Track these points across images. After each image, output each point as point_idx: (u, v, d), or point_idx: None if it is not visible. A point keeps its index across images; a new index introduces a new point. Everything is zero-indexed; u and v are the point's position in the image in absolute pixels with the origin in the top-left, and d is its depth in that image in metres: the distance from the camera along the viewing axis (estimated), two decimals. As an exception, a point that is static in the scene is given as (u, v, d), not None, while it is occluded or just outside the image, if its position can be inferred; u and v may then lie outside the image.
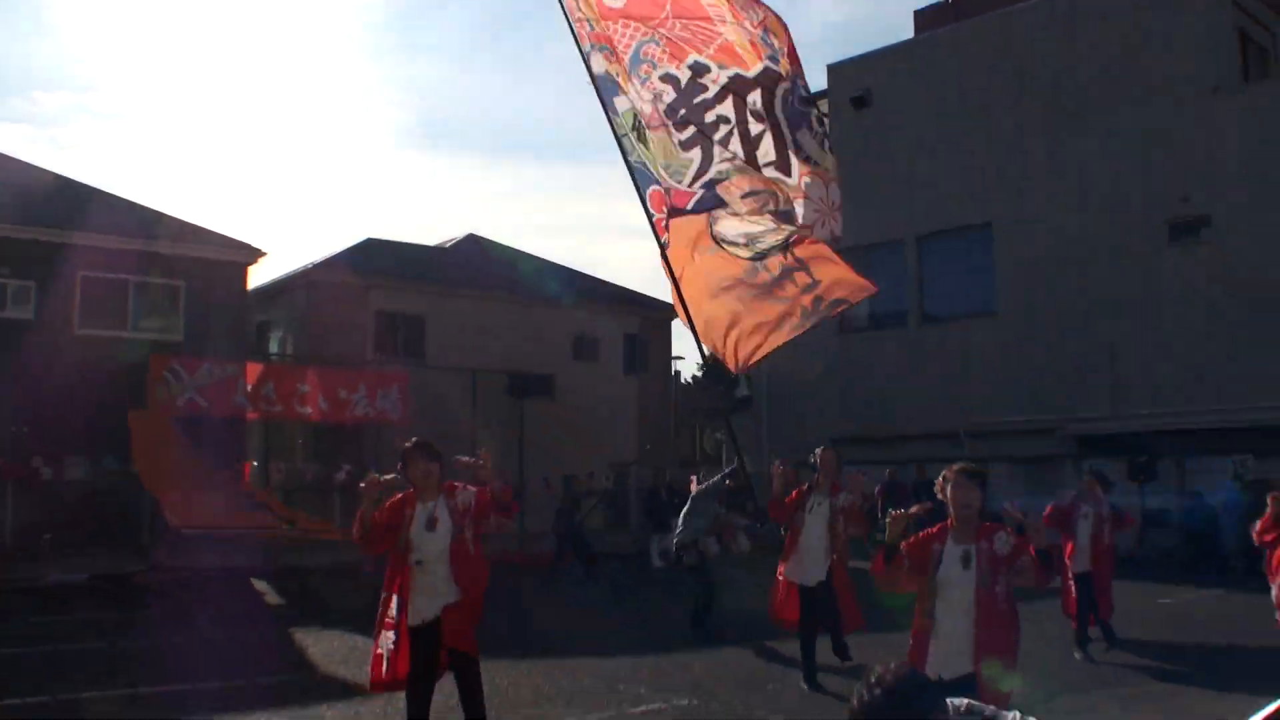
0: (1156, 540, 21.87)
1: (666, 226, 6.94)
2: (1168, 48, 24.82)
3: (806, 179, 6.56)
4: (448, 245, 37.20)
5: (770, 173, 6.68)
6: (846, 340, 29.77)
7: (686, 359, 50.29)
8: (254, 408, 24.00)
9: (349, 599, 18.43)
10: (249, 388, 23.66)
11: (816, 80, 32.00)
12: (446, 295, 31.65)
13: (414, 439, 7.71)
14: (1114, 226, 25.07)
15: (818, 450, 10.81)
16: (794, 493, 10.47)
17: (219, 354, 23.76)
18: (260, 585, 20.41)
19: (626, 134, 6.84)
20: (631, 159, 6.90)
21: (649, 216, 7.01)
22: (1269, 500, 10.38)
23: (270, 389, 24.03)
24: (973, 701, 3.02)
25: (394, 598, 7.37)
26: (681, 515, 13.79)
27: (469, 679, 7.49)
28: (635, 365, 36.15)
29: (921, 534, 6.78)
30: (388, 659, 7.41)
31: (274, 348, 31.41)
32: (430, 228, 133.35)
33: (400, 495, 7.52)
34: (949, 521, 6.75)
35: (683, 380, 50.70)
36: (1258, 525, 10.30)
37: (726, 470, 12.67)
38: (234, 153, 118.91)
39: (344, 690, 9.89)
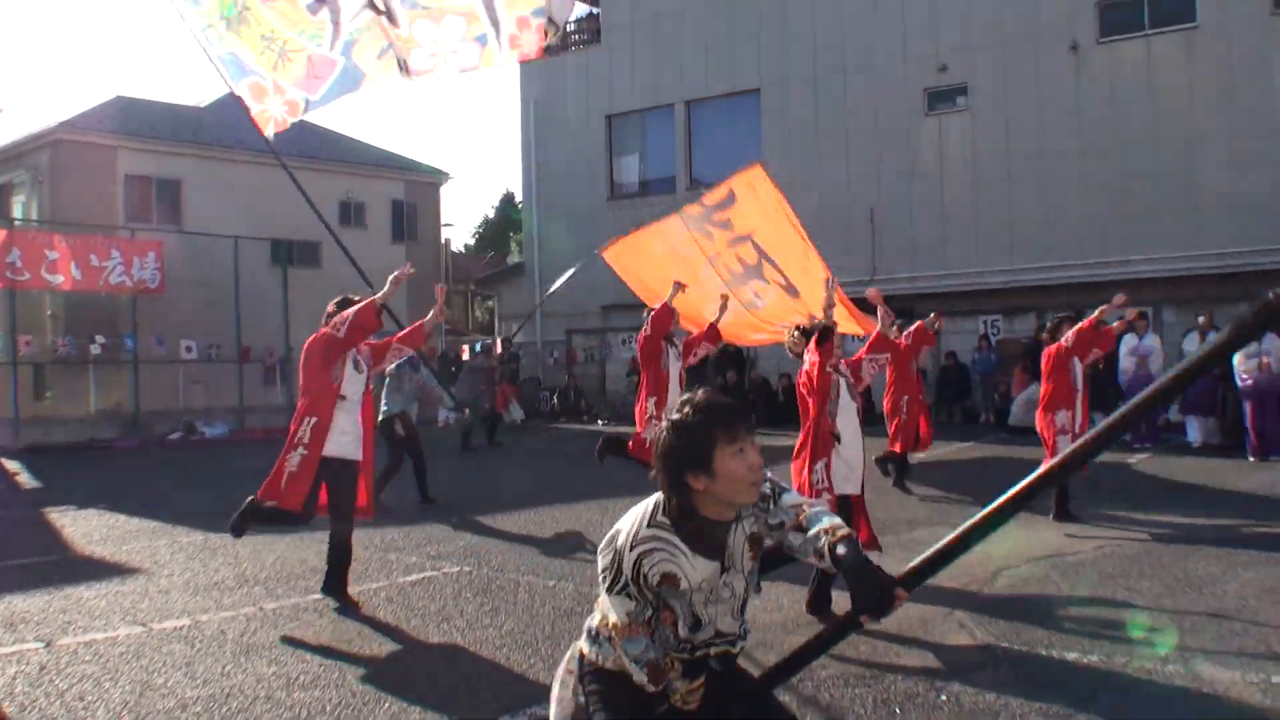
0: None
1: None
2: (929, -84, 25.20)
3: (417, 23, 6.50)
4: (205, 105, 35.42)
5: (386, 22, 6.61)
6: (615, 206, 29.82)
7: (456, 226, 49.84)
8: (-3, 277, 22.71)
9: (110, 478, 17.84)
10: (-10, 256, 22.39)
11: (587, -57, 31.50)
12: (205, 157, 30.27)
13: (353, 294, 8.14)
14: (875, 93, 25.62)
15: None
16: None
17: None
18: (11, 465, 19.53)
19: (212, 25, 6.49)
20: (215, 52, 6.60)
21: (246, 110, 6.95)
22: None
23: (16, 256, 22.77)
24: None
25: (309, 422, 7.74)
26: (385, 390, 13.38)
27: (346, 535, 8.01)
28: (404, 232, 35.45)
29: (814, 369, 7.34)
30: (287, 477, 7.77)
31: (18, 212, 29.60)
32: (186, 87, 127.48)
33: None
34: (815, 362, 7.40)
35: (453, 249, 50.15)
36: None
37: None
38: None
39: (104, 570, 9.56)
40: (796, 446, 7.43)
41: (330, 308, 8.02)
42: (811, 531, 3.24)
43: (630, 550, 3.22)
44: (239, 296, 26.82)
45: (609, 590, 3.29)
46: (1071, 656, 6.31)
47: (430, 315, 8.59)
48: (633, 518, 3.27)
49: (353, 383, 7.95)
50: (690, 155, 29.21)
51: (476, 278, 47.42)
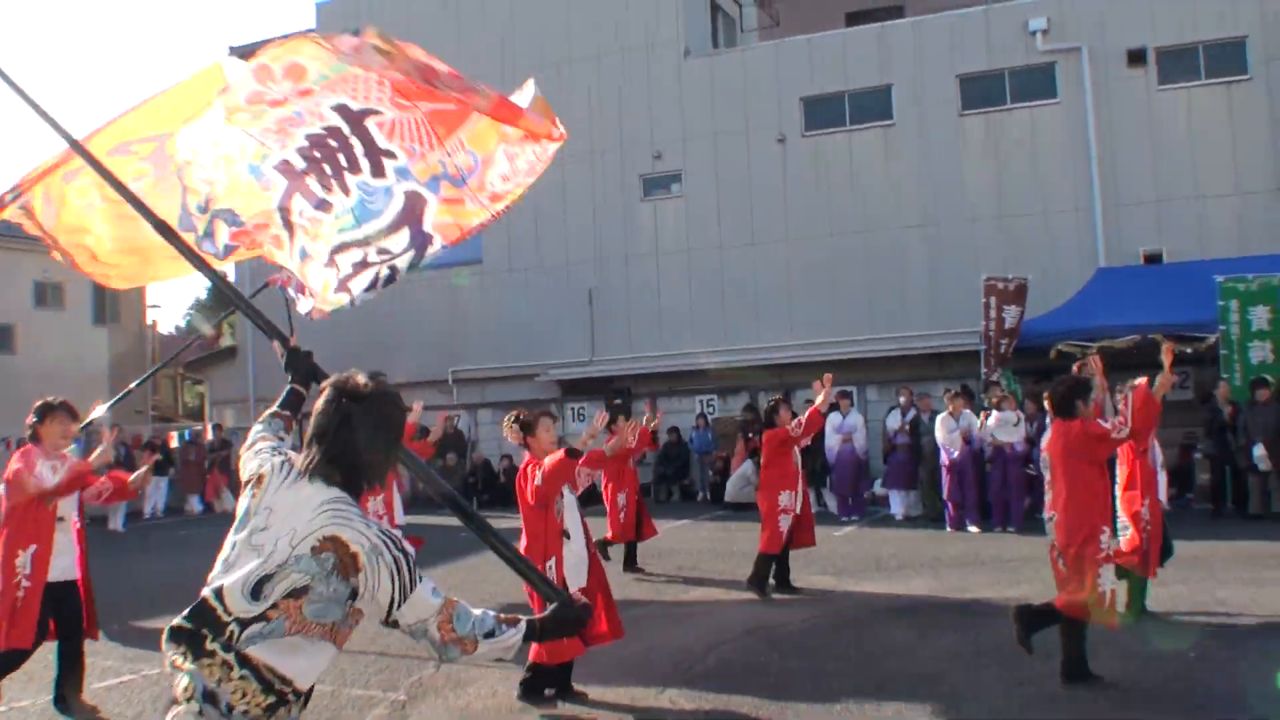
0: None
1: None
2: (648, 8, 25.94)
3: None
4: (-111, 178, 33.10)
5: None
6: (335, 288, 29.31)
7: (163, 308, 47.91)
8: None
9: None
10: None
11: (306, 21, 31.12)
12: (-119, 235, 28.23)
13: (57, 399, 7.59)
14: (593, 179, 26.06)
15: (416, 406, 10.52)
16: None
17: None
18: None
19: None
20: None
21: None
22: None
23: None
24: None
25: (29, 551, 7.24)
26: None
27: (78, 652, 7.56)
28: (106, 314, 33.75)
29: (531, 476, 7.43)
30: (12, 614, 7.19)
31: None
32: None
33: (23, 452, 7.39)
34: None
35: (159, 330, 48.17)
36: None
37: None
38: None
39: None
40: (524, 547, 7.29)
41: (30, 418, 7.49)
42: None
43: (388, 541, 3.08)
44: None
45: (411, 590, 3.04)
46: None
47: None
48: (360, 522, 3.06)
49: (65, 499, 7.47)
50: (410, 237, 29.00)
51: (186, 361, 45.61)
